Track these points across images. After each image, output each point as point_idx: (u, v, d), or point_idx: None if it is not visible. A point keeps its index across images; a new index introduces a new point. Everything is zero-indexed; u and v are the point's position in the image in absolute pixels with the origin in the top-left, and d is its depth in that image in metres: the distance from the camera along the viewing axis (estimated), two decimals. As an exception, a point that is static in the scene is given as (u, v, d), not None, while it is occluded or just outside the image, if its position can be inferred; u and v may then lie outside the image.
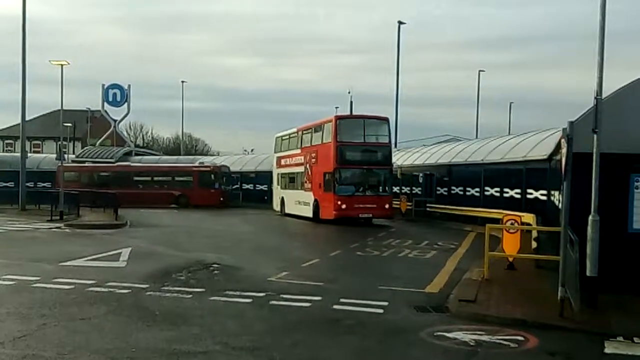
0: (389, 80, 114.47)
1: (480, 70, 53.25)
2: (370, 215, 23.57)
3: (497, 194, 22.95)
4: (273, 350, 6.47)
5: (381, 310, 8.42)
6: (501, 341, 6.98)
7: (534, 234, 13.15)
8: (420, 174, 29.99)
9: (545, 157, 16.85)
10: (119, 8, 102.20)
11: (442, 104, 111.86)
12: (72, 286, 9.69)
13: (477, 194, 24.46)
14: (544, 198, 17.55)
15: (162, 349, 6.43)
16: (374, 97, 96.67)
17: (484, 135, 36.97)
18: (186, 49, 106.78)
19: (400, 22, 42.87)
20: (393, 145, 25.91)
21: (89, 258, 12.96)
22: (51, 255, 13.38)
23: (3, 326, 7.17)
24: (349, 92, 61.76)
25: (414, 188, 31.05)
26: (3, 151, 58.46)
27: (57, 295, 9.06)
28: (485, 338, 7.05)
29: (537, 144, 19.72)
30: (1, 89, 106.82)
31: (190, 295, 9.16)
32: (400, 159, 34.34)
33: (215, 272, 11.92)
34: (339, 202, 23.16)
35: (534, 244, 12.83)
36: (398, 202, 30.21)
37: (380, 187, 24.23)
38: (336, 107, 65.81)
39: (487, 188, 23.78)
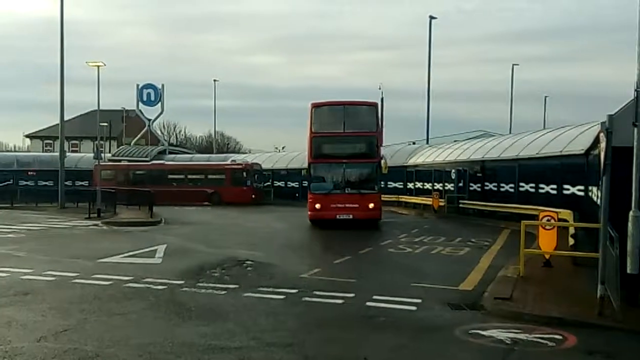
0: (419, 76, 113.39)
1: (514, 64, 52.29)
2: (350, 216, 20.23)
3: (532, 190, 22.55)
4: (306, 346, 6.50)
5: (414, 308, 8.37)
6: (538, 340, 6.86)
7: (571, 230, 12.86)
8: (453, 170, 29.64)
9: (582, 151, 16.47)
10: (149, 10, 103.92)
11: (474, 99, 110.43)
12: (110, 282, 9.91)
13: (512, 190, 24.07)
14: (581, 194, 17.15)
15: (198, 343, 6.53)
16: (405, 92, 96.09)
17: (517, 130, 36.31)
18: (215, 48, 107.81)
19: (431, 17, 42.48)
20: (382, 134, 21.99)
21: (126, 255, 13.22)
22: (89, 252, 13.70)
23: (46, 320, 7.38)
24: (379, 88, 61.46)
25: (446, 184, 30.74)
26: (43, 151, 60.01)
27: (95, 291, 9.28)
28: (522, 336, 6.94)
29: (573, 139, 19.29)
30: (40, 90, 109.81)
31: (225, 292, 9.26)
32: (431, 155, 34.07)
33: (248, 268, 12.03)
34: (313, 202, 20.64)
35: (571, 241, 12.54)
36: (430, 199, 29.98)
37: (364, 184, 20.94)
38: (367, 104, 65.74)
39: (521, 184, 23.37)
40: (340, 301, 8.71)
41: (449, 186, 30.28)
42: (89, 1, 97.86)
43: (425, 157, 34.54)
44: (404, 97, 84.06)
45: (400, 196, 36.07)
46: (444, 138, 45.68)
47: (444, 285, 10.12)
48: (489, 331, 7.12)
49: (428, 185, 33.30)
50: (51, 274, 10.62)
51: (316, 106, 21.05)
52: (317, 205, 20.39)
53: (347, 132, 20.80)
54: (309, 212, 20.74)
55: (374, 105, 21.34)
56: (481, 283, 10.31)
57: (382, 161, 20.36)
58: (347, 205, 20.23)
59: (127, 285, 9.71)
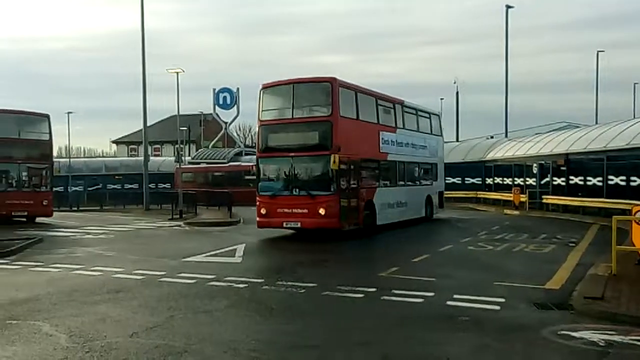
0: (495, 68, 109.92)
1: (598, 51, 49.58)
2: (298, 224, 16.39)
3: (623, 183, 21.35)
4: (386, 345, 6.45)
5: (498, 307, 8.11)
6: (635, 342, 6.44)
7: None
8: (534, 164, 28.54)
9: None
10: (220, 16, 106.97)
11: (555, 90, 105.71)
12: (194, 281, 10.27)
13: (600, 184, 22.90)
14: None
15: (280, 341, 6.64)
16: (481, 86, 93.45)
17: (604, 121, 34.40)
18: (283, 50, 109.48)
19: (508, 6, 41.10)
20: (341, 119, 16.36)
21: (208, 254, 13.64)
22: (174, 251, 14.26)
23: (136, 317, 7.76)
24: (454, 83, 60.26)
25: (527, 179, 29.65)
26: (128, 156, 63.20)
27: (181, 289, 9.65)
28: (616, 338, 6.55)
29: (668, 128, 18.06)
30: (124, 98, 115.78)
31: (304, 290, 9.36)
32: (511, 149, 32.94)
33: (326, 267, 12.11)
34: (259, 207, 17.06)
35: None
36: (510, 194, 29.01)
37: (315, 183, 16.40)
38: (441, 99, 64.43)
39: (610, 177, 22.18)
40: (419, 300, 8.58)
41: (531, 181, 29.24)
42: (165, 11, 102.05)
43: (505, 151, 33.45)
44: (480, 90, 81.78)
45: (478, 192, 35.23)
46: (524, 131, 44.07)
47: (529, 283, 9.74)
48: (579, 332, 6.77)
49: (508, 181, 32.31)
50: (140, 272, 11.14)
51: (265, 87, 17.38)
52: (263, 211, 16.83)
53: (295, 119, 16.87)
54: (257, 219, 17.26)
55: (329, 81, 16.31)
56: (569, 282, 9.85)
57: (334, 155, 15.59)
58: (294, 210, 16.35)
59: (210, 283, 10.02)
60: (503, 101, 41.78)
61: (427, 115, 23.82)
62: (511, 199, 28.68)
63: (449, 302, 8.38)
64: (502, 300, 8.47)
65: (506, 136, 40.88)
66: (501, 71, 41.46)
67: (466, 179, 36.67)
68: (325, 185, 16.13)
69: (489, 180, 35.02)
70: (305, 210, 16.15)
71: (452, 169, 37.31)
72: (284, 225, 16.53)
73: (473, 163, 36.43)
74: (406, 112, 21.41)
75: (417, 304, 8.39)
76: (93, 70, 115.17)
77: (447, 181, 37.70)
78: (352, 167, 16.86)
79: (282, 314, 7.97)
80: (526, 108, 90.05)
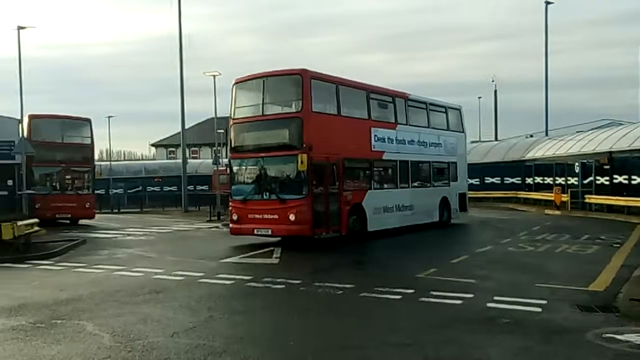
0: (535, 65, 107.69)
1: (642, 45, 47.98)
2: (269, 231, 15.06)
3: (670, 182, 20.58)
4: (426, 346, 6.37)
5: (539, 309, 7.93)
6: (685, 346, 6.22)
7: None
8: (576, 163, 27.84)
9: None
10: (255, 18, 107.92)
11: (597, 86, 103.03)
12: (232, 281, 10.37)
13: (646, 183, 22.14)
14: None
15: (318, 342, 6.65)
16: (520, 83, 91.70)
17: (650, 117, 33.28)
18: (320, 51, 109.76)
19: (547, 2, 40.23)
20: (314, 116, 14.95)
21: (245, 255, 13.75)
22: (212, 252, 14.44)
23: (177, 317, 7.88)
24: (492, 81, 59.25)
25: (569, 178, 28.95)
26: (167, 158, 64.33)
27: (219, 290, 9.77)
28: (664, 342, 6.33)
29: None
30: (161, 101, 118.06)
31: (341, 291, 9.35)
32: (551, 148, 32.22)
33: (363, 268, 12.07)
34: (231, 212, 16.01)
35: None
36: (551, 194, 28.37)
37: (286, 186, 15.06)
38: (479, 97, 63.55)
39: (657, 176, 21.42)
40: (459, 302, 8.47)
41: (572, 180, 28.54)
42: (202, 15, 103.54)
43: (545, 150, 32.74)
44: (518, 88, 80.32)
45: (518, 192, 34.61)
46: (564, 129, 43.02)
47: (572, 285, 9.50)
48: (625, 335, 6.57)
49: (549, 180, 31.63)
50: (179, 273, 11.32)
51: (237, 82, 16.26)
52: (235, 217, 15.70)
53: (265, 116, 15.54)
54: (230, 226, 16.23)
55: (299, 73, 14.92)
56: (614, 283, 9.58)
57: (302, 155, 14.12)
58: (264, 216, 15.10)
59: (248, 284, 10.11)
60: (543, 99, 41.01)
61: (441, 109, 21.60)
62: (552, 198, 28.05)
63: (489, 304, 8.24)
64: (544, 302, 8.28)
65: (546, 134, 40.02)
66: (540, 68, 40.80)
67: (505, 178, 36.08)
68: (296, 188, 14.74)
69: (529, 180, 34.34)
70: (276, 216, 14.85)
71: (491, 168, 36.83)
72: (255, 232, 15.23)
73: (512, 162, 35.81)
74: (411, 106, 19.48)
75: (457, 306, 8.28)
76: (132, 74, 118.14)
77: (485, 181, 37.34)
78: (331, 167, 15.37)
79: (320, 315, 7.97)
80: (566, 105, 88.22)
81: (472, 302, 8.48)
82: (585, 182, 27.33)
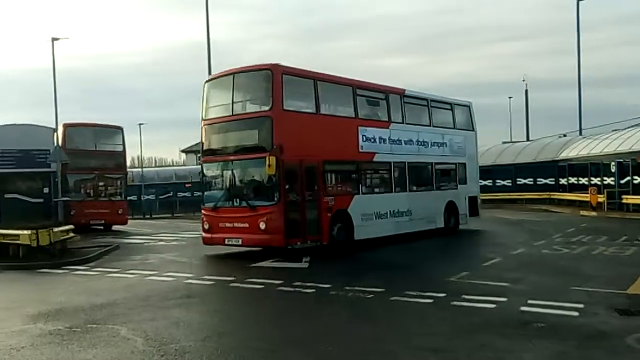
0: (566, 63, 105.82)
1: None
2: (240, 241, 14.15)
3: None
4: (458, 351, 6.28)
5: (576, 313, 7.73)
6: None
7: None
8: (613, 163, 27.17)
9: None
10: (282, 24, 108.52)
11: (631, 84, 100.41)
12: (262, 286, 10.39)
13: (687, 182, 21.48)
14: None
15: (350, 346, 6.61)
16: (552, 82, 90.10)
17: (690, 114, 32.26)
18: (348, 54, 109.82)
19: (578, -2, 39.48)
20: (287, 116, 13.94)
21: (274, 259, 13.71)
22: (242, 257, 14.48)
23: (208, 322, 7.95)
24: (523, 80, 58.33)
25: (604, 178, 28.28)
26: (196, 164, 64.95)
27: (250, 294, 9.85)
28: None
29: None
30: (191, 107, 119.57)
31: (371, 295, 9.28)
32: (586, 147, 31.54)
33: (393, 272, 11.97)
34: (203, 220, 15.01)
35: None
36: (586, 195, 27.74)
37: (255, 192, 14.16)
38: (509, 97, 62.61)
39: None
40: (491, 305, 8.32)
41: (609, 180, 27.86)
42: (230, 21, 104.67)
43: (579, 149, 32.09)
44: (550, 87, 78.85)
45: (551, 193, 33.99)
46: (599, 128, 42.08)
47: (609, 288, 9.26)
48: (667, 340, 6.35)
49: (584, 180, 30.96)
50: (210, 278, 11.39)
51: (208, 81, 15.54)
52: (206, 225, 14.79)
53: (234, 116, 14.54)
54: (202, 235, 15.24)
55: (269, 69, 13.93)
56: (654, 286, 9.28)
57: (270, 157, 13.08)
58: (235, 224, 14.13)
59: (279, 288, 10.11)
60: (575, 98, 40.17)
61: (446, 106, 19.93)
62: (588, 199, 27.42)
63: (522, 308, 8.07)
64: (581, 305, 8.07)
65: (580, 134, 39.20)
66: (573, 66, 39.92)
67: (538, 179, 35.45)
68: (267, 193, 13.77)
69: (562, 181, 33.68)
70: (246, 225, 13.82)
71: (523, 169, 36.24)
72: (226, 242, 14.32)
73: (545, 163, 35.21)
74: (408, 103, 17.95)
75: (489, 310, 8.13)
76: (162, 81, 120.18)
77: (517, 182, 36.76)
78: (308, 171, 14.20)
79: (350, 319, 7.92)
80: (601, 104, 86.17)
81: (505, 305, 8.32)
82: (622, 182, 26.64)
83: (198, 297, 9.69)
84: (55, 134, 22.65)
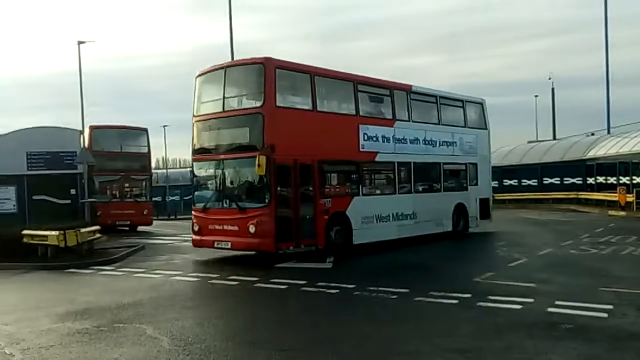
0: (594, 61, 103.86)
1: None
2: (229, 244, 13.61)
3: None
4: (485, 353, 6.20)
5: (605, 315, 7.59)
6: None
7: None
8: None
9: None
10: (304, 25, 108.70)
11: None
12: (286, 286, 10.41)
13: None
14: None
15: (375, 347, 6.57)
16: (579, 80, 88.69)
17: None
18: (369, 54, 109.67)
19: (606, -7, 38.65)
20: (267, 109, 13.07)
21: (298, 260, 13.74)
22: (266, 257, 14.52)
23: (232, 321, 7.97)
24: (549, 78, 57.48)
25: (634, 178, 27.73)
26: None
27: (274, 294, 9.88)
28: None
29: None
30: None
31: (395, 296, 9.23)
32: (614, 146, 30.94)
33: (416, 272, 11.89)
34: (193, 221, 14.53)
35: None
36: (615, 194, 27.23)
37: (245, 193, 13.56)
38: (535, 96, 61.77)
39: None
40: (518, 306, 8.21)
41: (638, 179, 27.29)
42: (253, 23, 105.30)
43: (607, 148, 31.49)
44: (577, 85, 77.52)
45: (579, 193, 33.47)
46: (628, 126, 41.22)
47: (639, 289, 9.04)
48: (701, 343, 6.18)
49: (612, 180, 30.42)
50: (234, 278, 11.41)
51: (199, 75, 14.76)
52: (195, 227, 14.25)
53: (225, 112, 13.85)
54: (192, 237, 14.72)
55: (262, 62, 13.24)
56: (686, 287, 9.06)
57: (260, 156, 12.52)
58: (225, 227, 13.56)
59: (303, 289, 10.12)
60: (604, 95, 39.31)
61: (457, 103, 19.01)
62: (616, 199, 26.90)
63: (550, 309, 7.96)
64: (610, 307, 7.93)
65: (608, 132, 38.45)
66: (601, 63, 39.01)
67: (565, 179, 34.98)
68: (257, 195, 13.16)
69: (590, 180, 33.14)
70: (236, 227, 13.24)
71: (550, 168, 35.79)
72: (215, 245, 13.78)
73: (572, 162, 34.69)
74: (415, 100, 17.11)
75: (516, 311, 8.03)
76: (187, 83, 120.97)
77: (544, 182, 36.28)
78: (303, 171, 13.55)
79: (375, 320, 7.89)
80: (630, 102, 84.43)
81: (532, 306, 8.21)
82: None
83: (223, 297, 9.76)
84: (81, 136, 23.00)
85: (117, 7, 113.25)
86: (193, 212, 14.54)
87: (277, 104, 13.23)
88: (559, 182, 35.09)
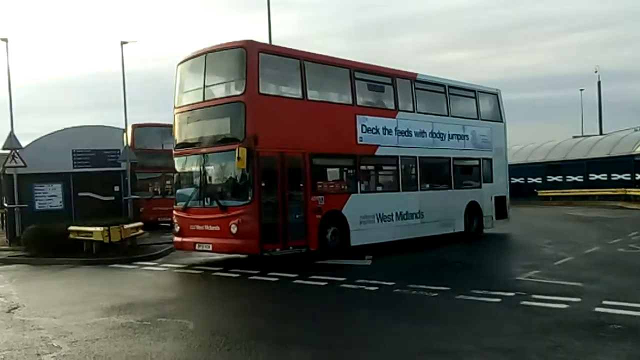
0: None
1: None
2: (210, 246, 12.61)
3: None
4: (530, 352, 6.04)
5: (657, 316, 7.31)
6: None
7: None
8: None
9: None
10: (339, 21, 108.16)
11: None
12: (325, 283, 10.40)
13: None
14: None
15: (416, 345, 6.50)
16: (627, 73, 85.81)
17: None
18: (406, 50, 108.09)
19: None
20: (248, 97, 12.11)
21: (337, 258, 13.62)
22: (306, 254, 14.53)
23: (272, 317, 7.99)
24: (595, 72, 55.79)
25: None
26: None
27: (314, 290, 9.85)
28: None
29: None
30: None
31: (436, 294, 9.10)
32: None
33: (458, 270, 11.70)
34: (174, 222, 13.62)
35: None
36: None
37: (227, 190, 12.62)
38: (581, 90, 60.05)
39: None
40: (564, 306, 7.98)
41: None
42: (290, 20, 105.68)
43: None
44: (625, 79, 74.85)
45: (627, 189, 32.45)
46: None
47: (694, 289, 8.69)
48: None
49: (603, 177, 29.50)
50: (274, 274, 11.38)
51: (180, 63, 13.65)
52: (177, 228, 13.33)
53: (205, 102, 12.86)
54: (173, 238, 13.92)
55: (243, 46, 12.21)
56: None
57: (240, 148, 11.56)
58: (206, 227, 12.53)
59: (342, 285, 10.09)
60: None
61: (469, 94, 17.66)
62: None
63: (597, 309, 7.70)
64: (662, 307, 7.62)
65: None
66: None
67: (612, 175, 33.98)
68: (239, 191, 12.19)
69: (639, 176, 32.04)
70: (217, 228, 12.21)
71: (596, 164, 34.90)
72: (197, 247, 12.82)
73: (620, 158, 33.67)
74: (420, 89, 15.86)
75: (562, 310, 7.80)
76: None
77: (590, 178, 35.29)
78: (292, 165, 12.64)
79: (416, 318, 7.81)
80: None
81: (578, 306, 7.97)
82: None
83: (262, 293, 9.81)
84: (124, 134, 23.50)
85: (154, 7, 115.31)
86: (174, 212, 13.53)
87: (261, 91, 12.23)
88: (605, 178, 34.12)
